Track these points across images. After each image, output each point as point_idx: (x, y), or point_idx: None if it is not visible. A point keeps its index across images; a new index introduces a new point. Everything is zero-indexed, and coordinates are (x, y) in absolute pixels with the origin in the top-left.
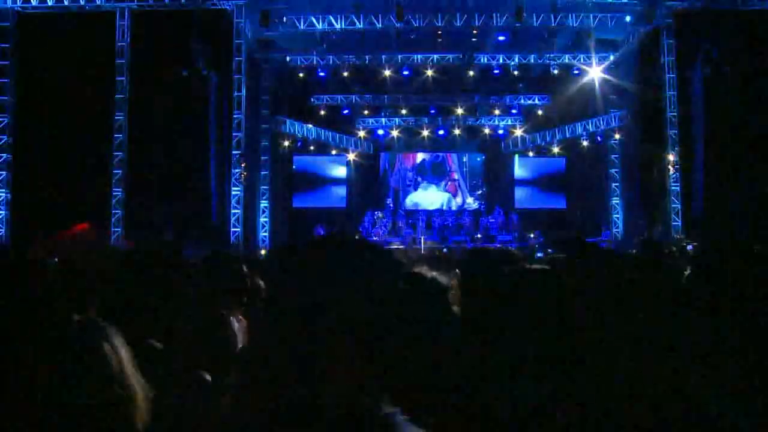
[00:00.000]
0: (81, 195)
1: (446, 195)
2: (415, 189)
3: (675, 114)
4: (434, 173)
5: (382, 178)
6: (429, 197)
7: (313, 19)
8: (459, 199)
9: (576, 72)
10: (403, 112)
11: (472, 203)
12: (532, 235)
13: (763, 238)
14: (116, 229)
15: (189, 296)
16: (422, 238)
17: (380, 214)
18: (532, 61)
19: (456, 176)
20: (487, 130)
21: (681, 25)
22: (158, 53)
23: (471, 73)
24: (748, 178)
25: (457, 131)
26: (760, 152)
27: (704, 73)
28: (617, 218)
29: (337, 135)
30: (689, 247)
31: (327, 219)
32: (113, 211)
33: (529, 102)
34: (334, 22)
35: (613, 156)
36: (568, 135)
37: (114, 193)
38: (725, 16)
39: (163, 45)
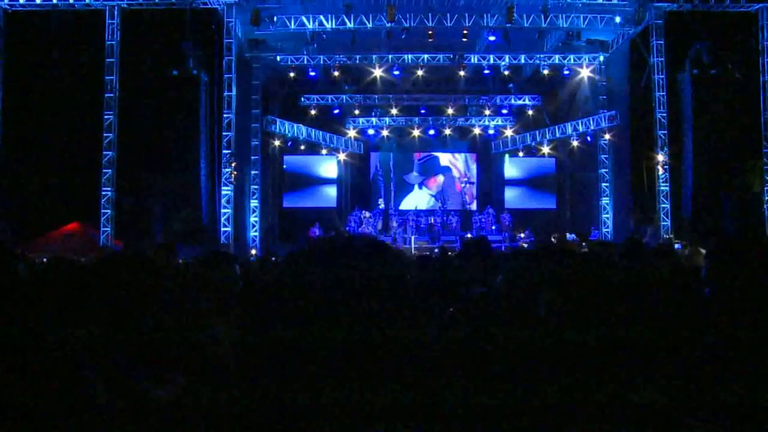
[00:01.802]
0: (70, 194)
1: (428, 195)
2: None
3: (664, 114)
4: (423, 173)
5: (373, 178)
6: (415, 198)
7: (304, 19)
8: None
9: (566, 72)
10: (394, 112)
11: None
12: (522, 235)
13: (751, 237)
14: (106, 229)
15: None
16: (413, 237)
17: (367, 214)
18: (522, 61)
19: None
20: (477, 131)
21: (670, 26)
22: (148, 52)
23: (461, 73)
24: (736, 178)
25: (447, 131)
26: (748, 152)
27: (693, 74)
28: (607, 218)
29: (328, 135)
30: (677, 246)
31: (318, 219)
32: (103, 211)
33: (520, 102)
34: (324, 22)
35: (603, 156)
36: (558, 135)
37: (104, 193)
38: (714, 18)
39: (153, 44)
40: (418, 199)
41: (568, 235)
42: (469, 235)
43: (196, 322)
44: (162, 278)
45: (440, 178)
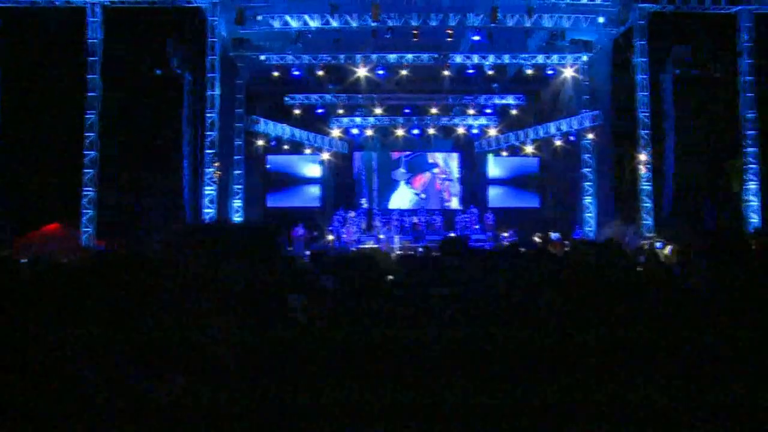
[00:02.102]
0: (52, 194)
1: (412, 194)
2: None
3: (647, 114)
4: (409, 170)
5: (356, 177)
6: (401, 195)
7: (288, 18)
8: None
9: (550, 72)
10: (378, 111)
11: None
12: (506, 234)
13: (732, 234)
14: (87, 229)
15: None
16: (396, 237)
17: (352, 214)
18: (506, 61)
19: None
20: (461, 130)
21: (653, 27)
22: (131, 51)
23: (446, 72)
24: (717, 177)
25: (431, 131)
26: (729, 152)
27: (675, 74)
28: (590, 217)
29: (312, 134)
30: (658, 245)
31: (302, 219)
32: (84, 211)
33: (504, 102)
34: (309, 21)
35: (586, 156)
36: (541, 135)
37: (85, 193)
38: (695, 19)
39: (136, 43)
40: (403, 197)
41: (552, 234)
42: (453, 235)
43: (196, 322)
44: (162, 277)
45: (427, 176)
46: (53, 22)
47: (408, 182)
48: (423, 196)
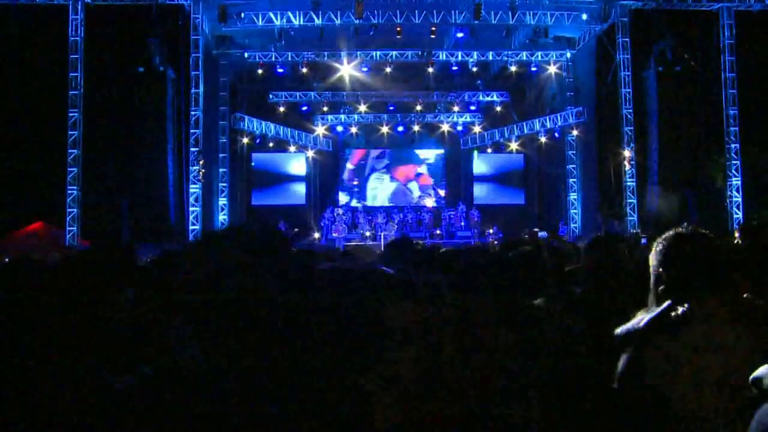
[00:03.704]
0: (35, 193)
1: (394, 185)
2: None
3: (630, 111)
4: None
5: (340, 174)
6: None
7: (272, 15)
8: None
9: (534, 69)
10: (362, 108)
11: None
12: (491, 231)
13: (715, 231)
14: (71, 228)
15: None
16: (382, 234)
17: (339, 211)
18: (490, 58)
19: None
20: (446, 127)
21: (636, 23)
22: (113, 49)
23: (430, 70)
24: (701, 173)
25: (416, 128)
26: (712, 148)
27: (658, 70)
28: (575, 213)
29: (296, 132)
30: (643, 242)
31: (286, 216)
32: (68, 210)
33: (488, 99)
34: (292, 18)
35: (570, 152)
36: (526, 131)
37: (69, 191)
38: (677, 16)
39: (119, 40)
40: (386, 190)
41: (539, 232)
42: (439, 231)
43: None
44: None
45: (410, 168)
46: (35, 19)
47: (389, 172)
48: (417, 193)
